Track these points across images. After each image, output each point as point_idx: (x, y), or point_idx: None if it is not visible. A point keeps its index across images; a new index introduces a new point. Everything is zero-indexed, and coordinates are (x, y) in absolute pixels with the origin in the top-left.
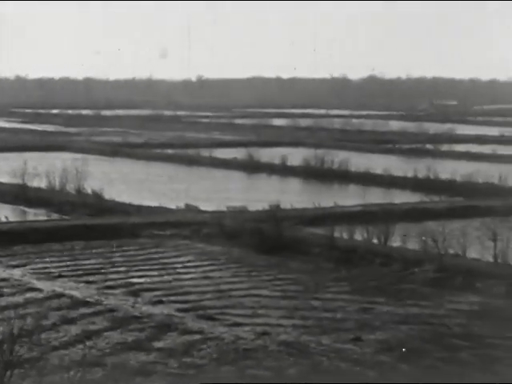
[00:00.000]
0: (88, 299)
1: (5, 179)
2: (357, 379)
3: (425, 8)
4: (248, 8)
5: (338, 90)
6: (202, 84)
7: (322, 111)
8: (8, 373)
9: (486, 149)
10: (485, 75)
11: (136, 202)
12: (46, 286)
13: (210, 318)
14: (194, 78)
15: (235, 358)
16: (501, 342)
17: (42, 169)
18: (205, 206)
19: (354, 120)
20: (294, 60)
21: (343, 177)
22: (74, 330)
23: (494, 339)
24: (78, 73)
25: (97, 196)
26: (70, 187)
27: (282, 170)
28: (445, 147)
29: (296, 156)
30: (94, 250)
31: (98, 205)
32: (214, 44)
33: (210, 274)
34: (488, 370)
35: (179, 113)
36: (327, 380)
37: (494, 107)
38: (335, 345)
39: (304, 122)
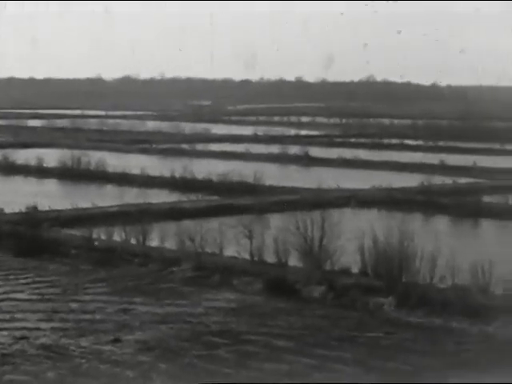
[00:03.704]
0: None
1: None
2: (117, 380)
3: (192, 8)
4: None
5: (93, 91)
6: None
7: (78, 112)
8: None
9: (241, 148)
10: (238, 75)
11: None
12: None
13: None
14: None
15: None
16: (256, 337)
17: None
18: None
19: (111, 120)
20: (48, 61)
21: (100, 177)
22: None
23: (250, 335)
24: None
25: None
26: None
27: (39, 172)
28: (200, 146)
29: (52, 157)
30: None
31: None
32: None
33: None
34: (243, 365)
35: None
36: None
37: (247, 107)
38: (94, 346)
39: (60, 123)
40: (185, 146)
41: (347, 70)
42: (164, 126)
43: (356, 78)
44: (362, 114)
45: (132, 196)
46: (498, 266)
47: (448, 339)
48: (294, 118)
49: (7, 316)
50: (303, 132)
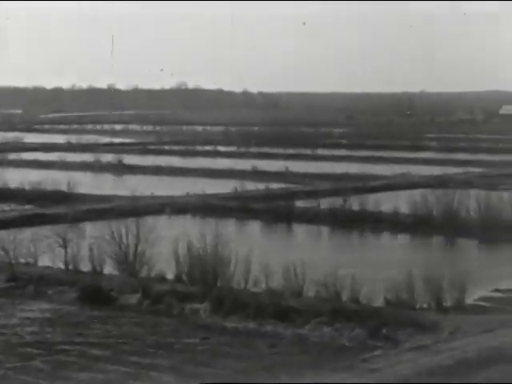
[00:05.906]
0: None
1: None
2: None
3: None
4: None
5: None
6: None
7: None
8: None
9: (54, 156)
10: (49, 83)
11: None
12: None
13: None
14: None
15: None
16: (72, 347)
17: None
18: None
19: None
20: None
21: None
22: None
23: (65, 345)
24: None
25: None
26: None
27: None
28: (13, 156)
29: None
30: None
31: None
32: None
33: None
34: (59, 376)
35: None
36: None
37: (59, 115)
38: None
39: None
40: None
41: (161, 77)
42: None
43: (167, 86)
44: (174, 121)
45: None
46: (310, 269)
47: (262, 342)
48: (107, 126)
49: None
50: (117, 140)
